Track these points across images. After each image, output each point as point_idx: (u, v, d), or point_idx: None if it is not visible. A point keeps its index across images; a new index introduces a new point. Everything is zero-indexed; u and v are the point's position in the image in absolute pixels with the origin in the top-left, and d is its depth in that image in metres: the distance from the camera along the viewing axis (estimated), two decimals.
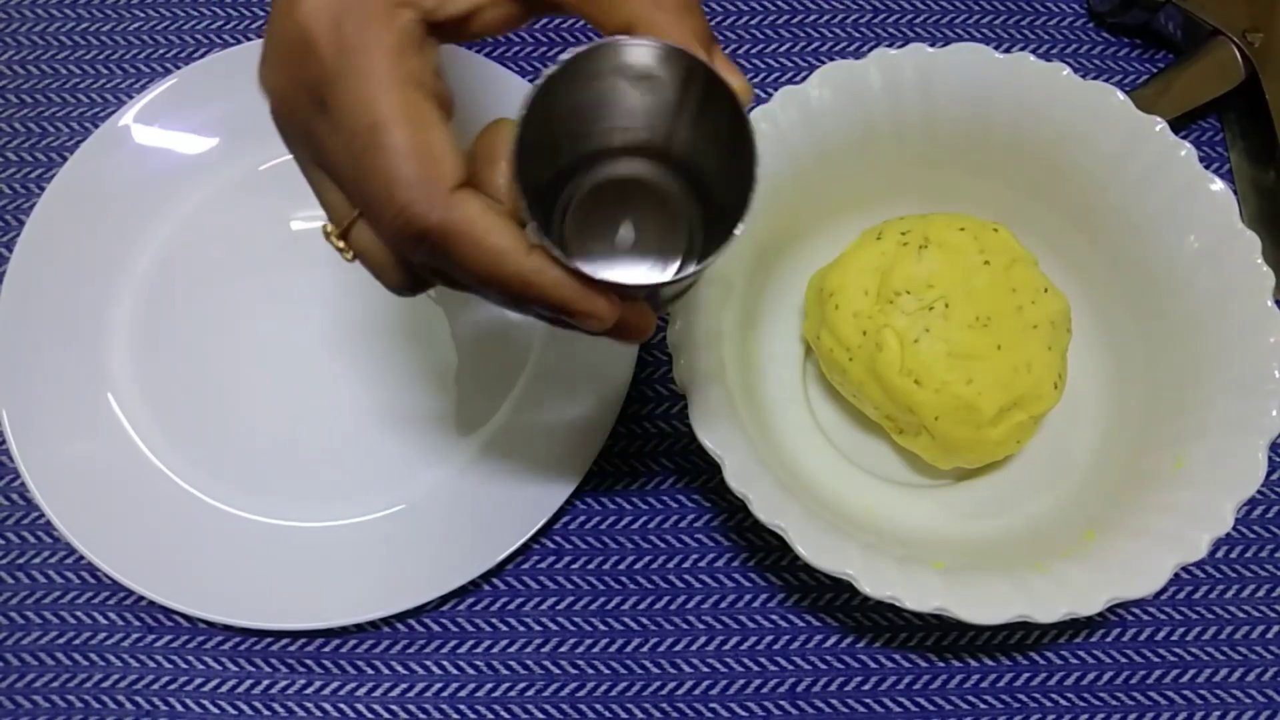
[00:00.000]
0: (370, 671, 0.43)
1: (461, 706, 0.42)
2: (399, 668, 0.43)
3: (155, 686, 0.42)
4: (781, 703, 0.42)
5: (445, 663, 0.43)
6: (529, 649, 0.43)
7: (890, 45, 0.51)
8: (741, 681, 0.43)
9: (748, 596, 0.44)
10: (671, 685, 0.42)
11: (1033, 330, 0.40)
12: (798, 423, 0.44)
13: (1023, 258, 0.41)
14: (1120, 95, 0.41)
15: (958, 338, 0.39)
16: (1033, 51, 0.51)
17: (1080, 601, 0.35)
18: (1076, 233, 0.43)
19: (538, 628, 0.43)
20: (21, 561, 0.44)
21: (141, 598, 0.42)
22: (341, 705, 0.42)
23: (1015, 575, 0.36)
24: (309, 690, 0.42)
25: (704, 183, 0.31)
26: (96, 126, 0.47)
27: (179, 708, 0.42)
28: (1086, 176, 0.42)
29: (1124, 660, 0.43)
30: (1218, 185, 0.40)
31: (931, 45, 0.41)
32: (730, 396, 0.39)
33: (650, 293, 0.30)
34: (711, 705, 0.42)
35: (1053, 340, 0.40)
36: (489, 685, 0.42)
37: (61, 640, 0.43)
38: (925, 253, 0.40)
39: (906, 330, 0.39)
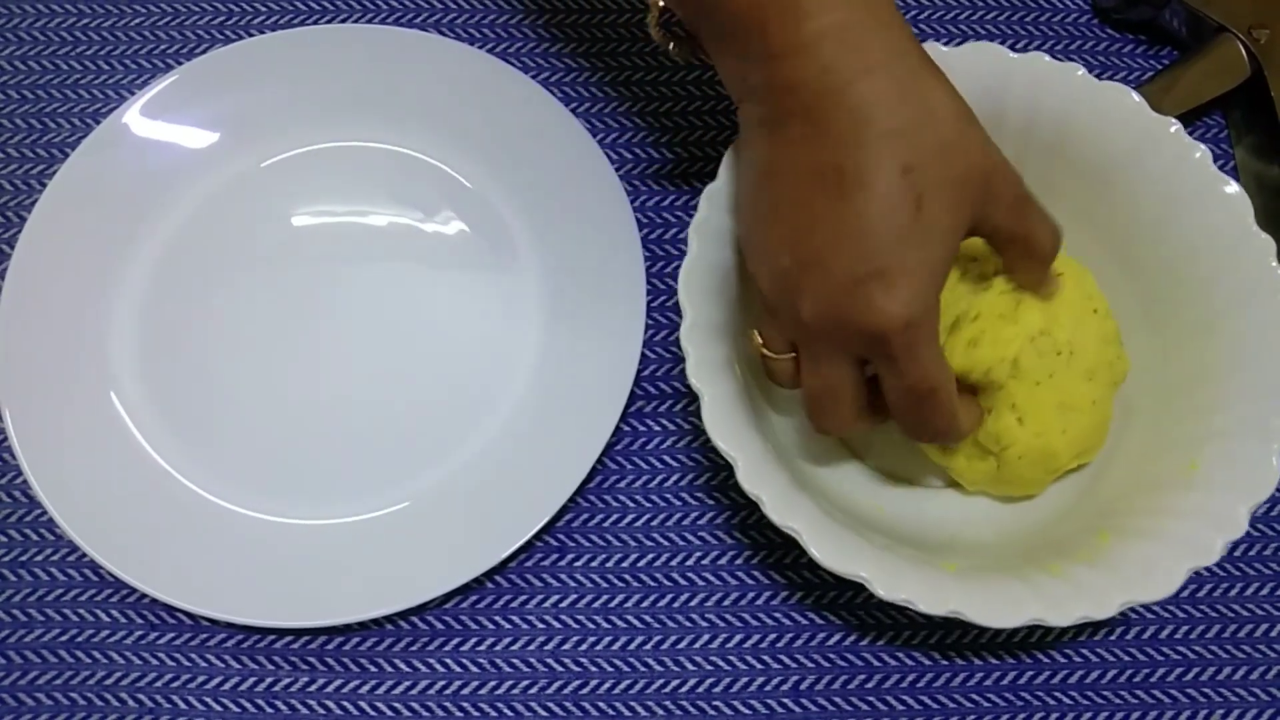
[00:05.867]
0: (373, 669, 0.42)
1: (465, 704, 0.42)
2: (402, 665, 0.43)
3: (158, 684, 0.42)
4: (785, 701, 0.42)
5: (448, 660, 0.43)
6: (532, 646, 0.43)
7: None
8: (745, 679, 0.42)
9: (751, 594, 0.44)
10: (675, 683, 0.42)
11: (1113, 387, 0.40)
12: (806, 420, 0.44)
13: (1106, 308, 0.40)
14: (1135, 96, 0.40)
15: (1071, 388, 0.38)
16: (1037, 48, 0.51)
17: (1094, 605, 0.35)
18: (1090, 233, 0.43)
19: (541, 625, 0.43)
20: (24, 559, 0.44)
21: (144, 595, 0.42)
22: (345, 703, 0.42)
23: (1028, 578, 0.36)
24: (312, 688, 0.42)
25: None
26: (98, 123, 0.47)
27: (182, 705, 0.42)
28: (1099, 177, 0.41)
29: (1128, 659, 0.43)
30: (1233, 188, 0.39)
31: (935, 41, 0.41)
32: (741, 394, 0.39)
33: None
34: (715, 703, 0.42)
35: (1112, 397, 0.40)
36: (492, 683, 0.42)
37: (64, 638, 0.43)
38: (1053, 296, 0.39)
39: (1032, 370, 0.38)
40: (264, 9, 0.52)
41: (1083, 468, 0.42)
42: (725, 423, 0.37)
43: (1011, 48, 0.41)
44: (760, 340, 0.37)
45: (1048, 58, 0.41)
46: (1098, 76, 0.41)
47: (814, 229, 0.33)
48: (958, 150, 0.33)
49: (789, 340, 0.36)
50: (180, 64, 0.49)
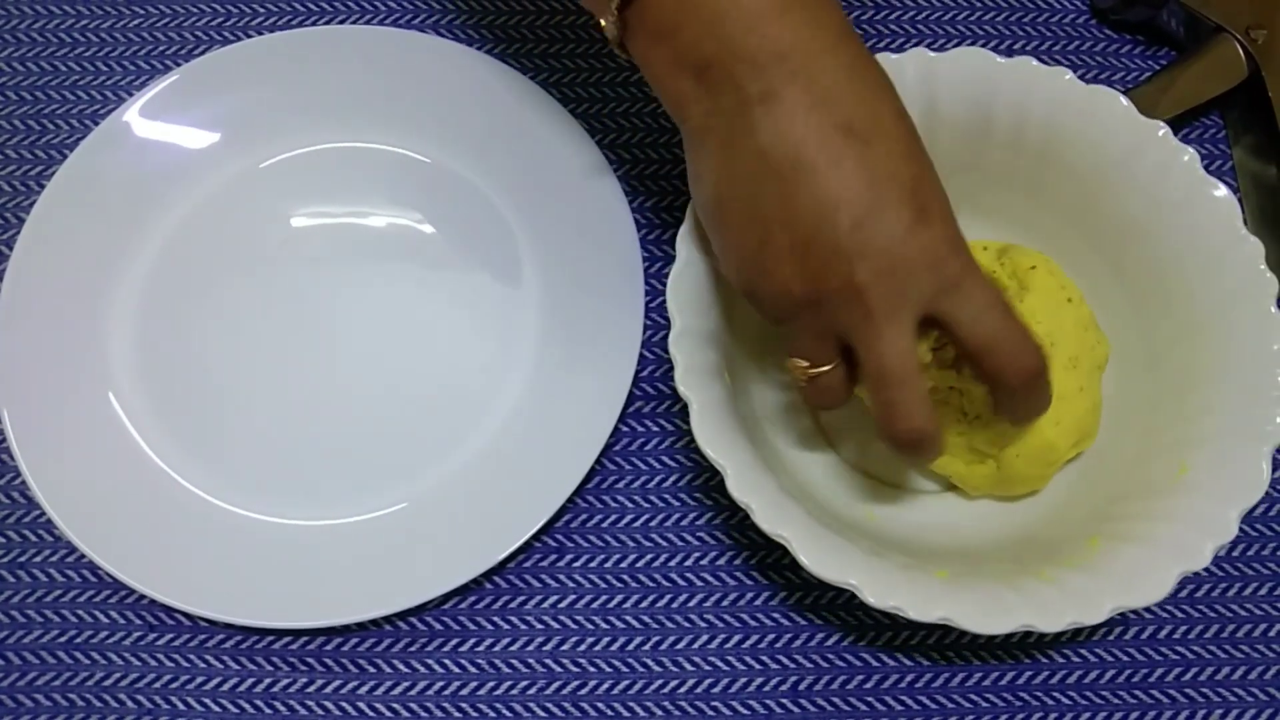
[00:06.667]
0: (372, 670, 0.42)
1: (463, 705, 0.42)
2: (401, 666, 0.43)
3: (157, 685, 0.42)
4: (783, 701, 0.42)
5: (447, 661, 0.43)
6: (530, 647, 0.43)
7: (892, 42, 0.51)
8: (744, 680, 0.42)
9: (749, 594, 0.44)
10: (674, 683, 0.42)
11: (1097, 371, 0.40)
12: (799, 427, 0.44)
13: (1080, 295, 0.41)
14: (1124, 100, 0.40)
15: (1057, 379, 0.38)
16: (1035, 49, 0.51)
17: (1084, 610, 0.35)
18: (1078, 237, 0.43)
19: (539, 626, 0.43)
20: (23, 560, 0.44)
21: (143, 596, 0.42)
22: (343, 704, 0.42)
23: (1018, 584, 0.36)
24: (310, 689, 0.42)
25: None
26: (97, 124, 0.47)
27: (180, 706, 0.42)
28: (1088, 181, 0.42)
29: (1126, 659, 0.43)
30: (1221, 191, 0.39)
31: (934, 42, 0.41)
32: (731, 400, 0.39)
33: None
34: (713, 704, 0.42)
35: (1099, 381, 0.40)
36: (491, 684, 0.42)
37: (63, 639, 0.43)
38: (1027, 289, 0.40)
39: None
40: (263, 10, 0.52)
41: (1080, 456, 0.42)
42: (714, 430, 0.37)
43: (1009, 49, 0.41)
44: (803, 363, 0.36)
45: (1035, 62, 0.41)
46: (1095, 77, 0.41)
47: (795, 199, 0.32)
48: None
49: (828, 347, 0.35)
50: (180, 65, 0.49)
